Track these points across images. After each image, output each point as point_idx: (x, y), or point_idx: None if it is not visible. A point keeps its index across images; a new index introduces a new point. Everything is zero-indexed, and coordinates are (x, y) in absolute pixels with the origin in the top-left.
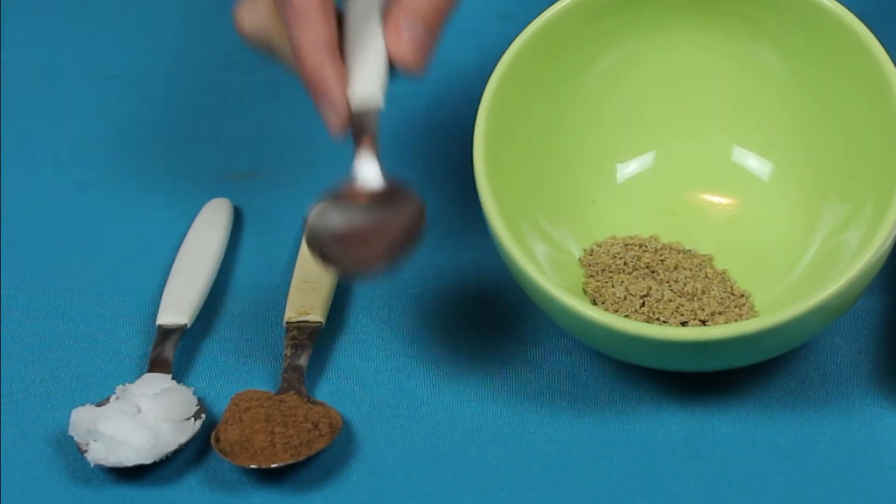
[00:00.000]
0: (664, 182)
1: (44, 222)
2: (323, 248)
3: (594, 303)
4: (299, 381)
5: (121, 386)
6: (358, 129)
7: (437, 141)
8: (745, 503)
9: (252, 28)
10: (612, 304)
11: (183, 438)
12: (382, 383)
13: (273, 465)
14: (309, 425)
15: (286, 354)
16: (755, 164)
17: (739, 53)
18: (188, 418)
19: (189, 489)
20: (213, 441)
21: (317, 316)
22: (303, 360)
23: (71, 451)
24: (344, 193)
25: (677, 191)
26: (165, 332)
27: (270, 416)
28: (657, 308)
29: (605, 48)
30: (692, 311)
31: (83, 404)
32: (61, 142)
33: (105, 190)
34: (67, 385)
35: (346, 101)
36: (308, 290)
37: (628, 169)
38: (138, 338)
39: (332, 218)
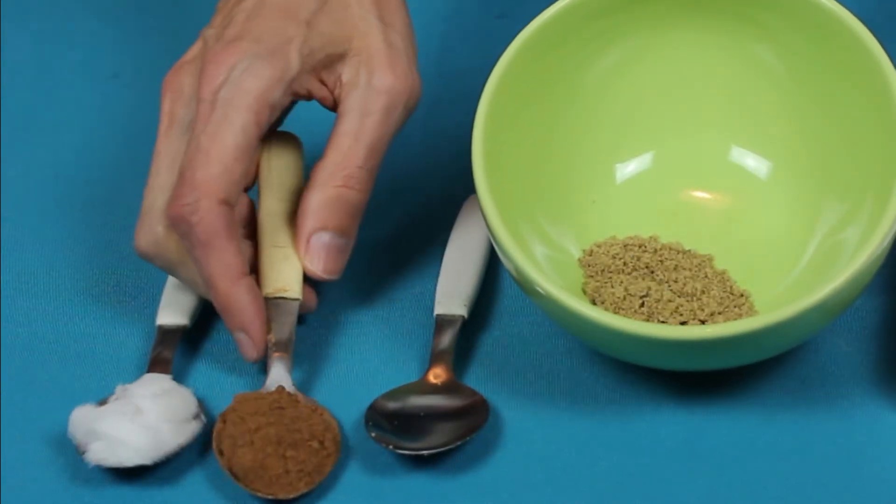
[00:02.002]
0: (663, 182)
1: (43, 222)
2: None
3: (594, 303)
4: (286, 365)
5: (121, 386)
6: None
7: (436, 141)
8: (744, 503)
9: (148, 249)
10: (611, 304)
11: (183, 439)
12: (382, 383)
13: (291, 497)
14: (316, 444)
15: (269, 339)
16: (754, 163)
17: (738, 53)
18: (188, 419)
19: (189, 489)
20: (217, 455)
21: (294, 293)
22: (286, 334)
23: (70, 452)
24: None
25: (677, 191)
26: (165, 333)
27: (280, 437)
28: (657, 308)
29: (604, 48)
30: (692, 311)
31: (83, 404)
32: (62, 141)
33: (105, 189)
34: (67, 385)
35: (262, 326)
36: (280, 260)
37: (628, 169)
38: (138, 338)
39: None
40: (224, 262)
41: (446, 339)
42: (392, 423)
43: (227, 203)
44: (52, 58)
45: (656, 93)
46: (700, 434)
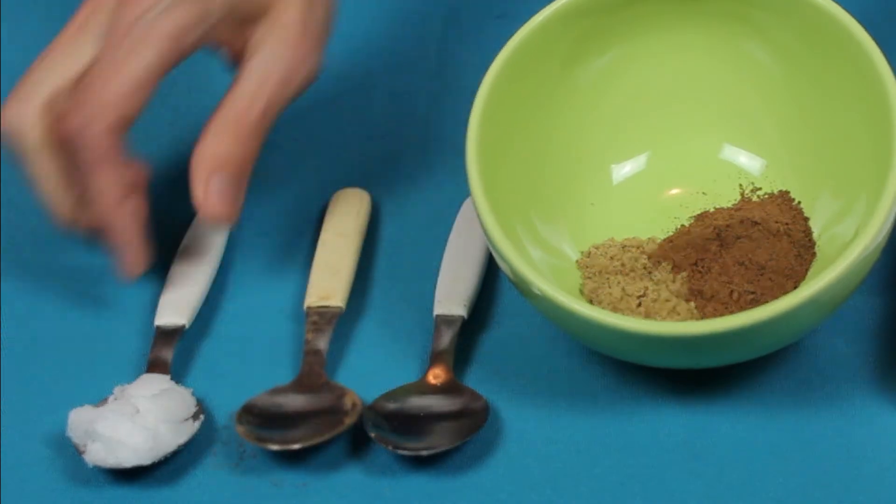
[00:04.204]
0: (660, 182)
1: (43, 222)
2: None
3: (591, 303)
4: (319, 364)
5: (119, 387)
6: None
7: (436, 141)
8: (744, 503)
9: (12, 125)
10: (608, 304)
11: (182, 439)
12: (382, 383)
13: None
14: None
15: (307, 339)
16: (748, 161)
17: (731, 52)
18: (187, 419)
19: (188, 490)
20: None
21: (337, 301)
22: (322, 344)
23: (69, 452)
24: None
25: (673, 191)
26: (164, 333)
27: None
28: (654, 308)
29: (598, 49)
30: (689, 310)
31: (81, 405)
32: None
33: None
34: (66, 386)
35: (142, 244)
36: (329, 276)
37: (624, 170)
38: (137, 338)
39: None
40: (110, 181)
41: (446, 339)
42: (392, 424)
43: (118, 129)
44: None
45: (651, 93)
46: (700, 434)
